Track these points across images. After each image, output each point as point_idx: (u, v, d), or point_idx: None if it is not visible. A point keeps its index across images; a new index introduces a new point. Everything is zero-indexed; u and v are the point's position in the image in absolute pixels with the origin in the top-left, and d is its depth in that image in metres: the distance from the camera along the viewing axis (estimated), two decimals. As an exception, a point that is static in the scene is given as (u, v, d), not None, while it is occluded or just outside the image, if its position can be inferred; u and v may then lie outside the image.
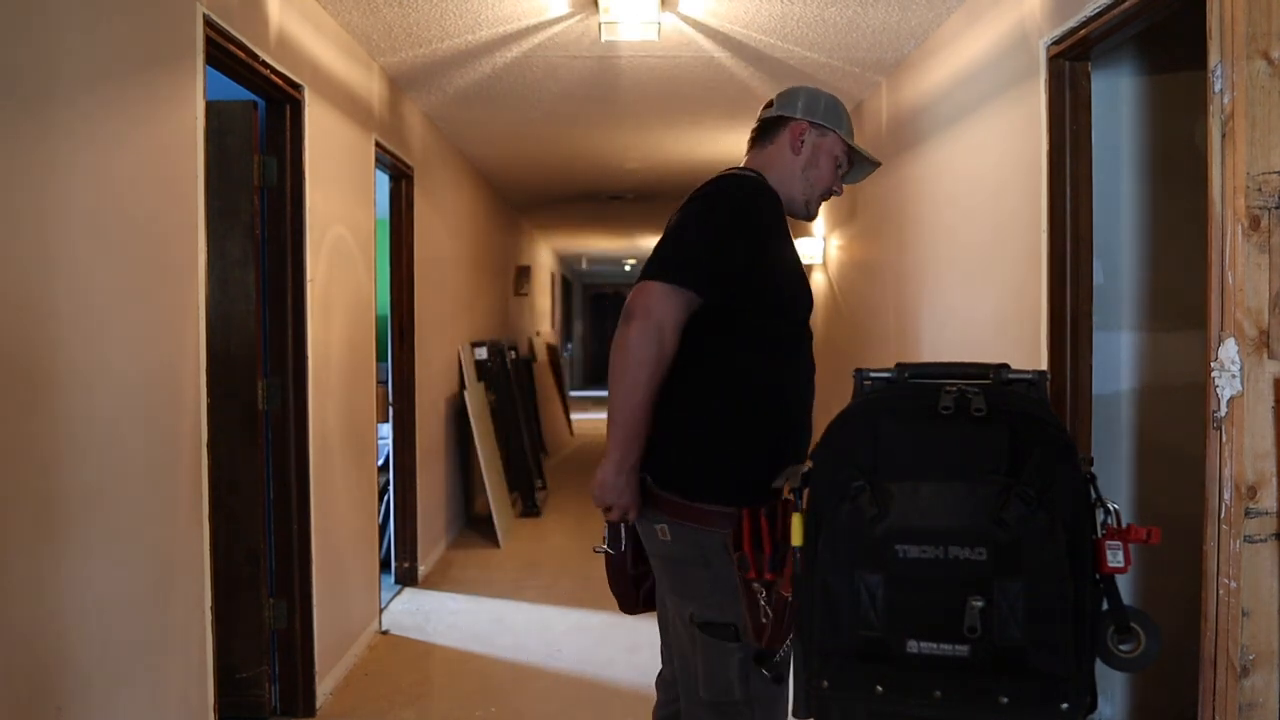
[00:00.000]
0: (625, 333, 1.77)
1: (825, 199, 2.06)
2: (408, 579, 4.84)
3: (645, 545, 1.93)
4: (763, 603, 1.68)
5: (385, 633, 4.12)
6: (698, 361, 1.81)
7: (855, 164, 2.07)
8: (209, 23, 2.51)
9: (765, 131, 2.02)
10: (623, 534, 1.94)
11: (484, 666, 3.77)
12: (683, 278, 1.76)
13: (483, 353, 6.41)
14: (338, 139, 3.61)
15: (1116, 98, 2.89)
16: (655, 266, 1.79)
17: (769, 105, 2.04)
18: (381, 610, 4.21)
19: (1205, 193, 1.89)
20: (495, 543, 5.74)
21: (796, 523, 1.46)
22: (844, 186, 2.08)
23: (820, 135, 1.99)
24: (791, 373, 1.91)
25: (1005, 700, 1.33)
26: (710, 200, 1.87)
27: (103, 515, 2.06)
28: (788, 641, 1.68)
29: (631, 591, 2.00)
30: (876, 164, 2.10)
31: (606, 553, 1.96)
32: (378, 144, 4.13)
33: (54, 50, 1.91)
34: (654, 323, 1.74)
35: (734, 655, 1.80)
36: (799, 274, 1.95)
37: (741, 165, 2.02)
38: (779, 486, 1.56)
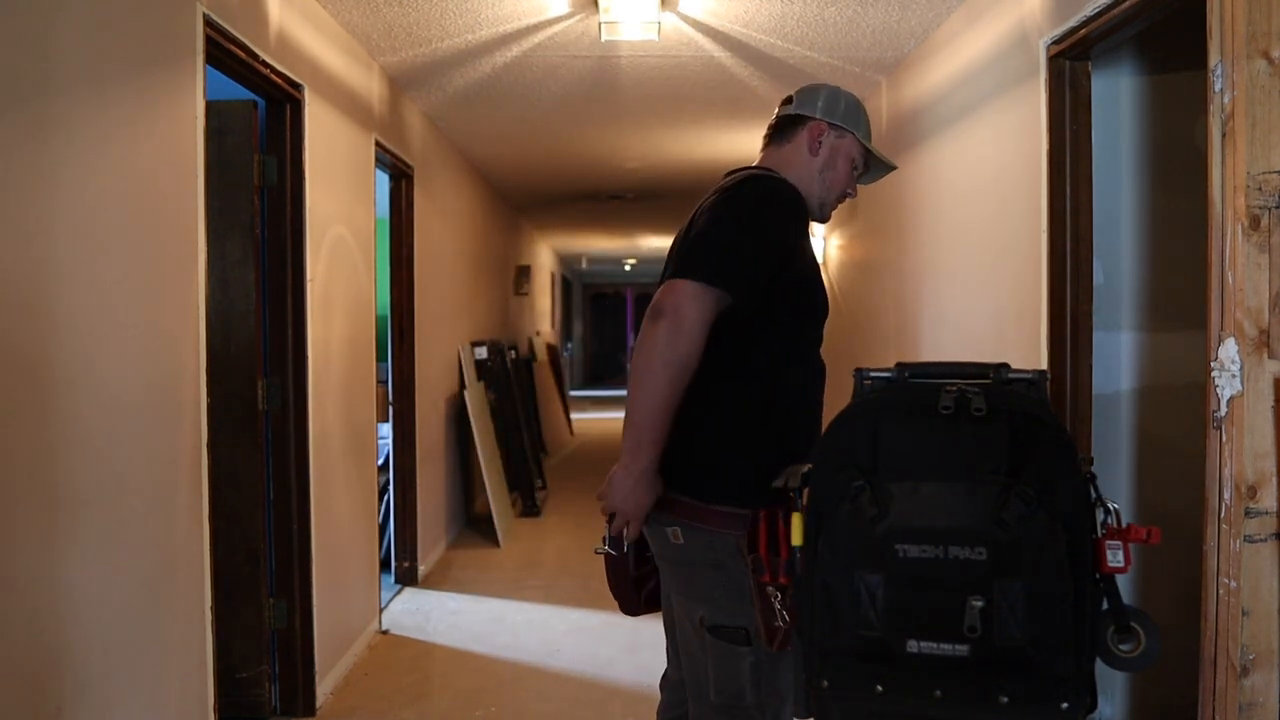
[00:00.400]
0: (652, 332, 1.71)
1: (840, 201, 2.02)
2: (408, 578, 4.84)
3: (654, 548, 1.90)
4: (778, 606, 1.67)
5: (385, 632, 4.12)
6: (711, 361, 1.76)
7: (871, 166, 2.03)
8: (209, 22, 2.50)
9: (782, 129, 1.98)
10: (624, 536, 1.92)
11: (484, 666, 3.77)
12: (713, 277, 1.71)
13: (483, 352, 6.40)
14: (338, 138, 3.61)
15: (1116, 98, 2.89)
16: (685, 265, 1.74)
17: (788, 101, 1.99)
18: (381, 610, 4.21)
19: (1205, 192, 1.89)
20: (495, 542, 5.74)
21: (797, 522, 1.46)
22: (857, 188, 2.05)
23: (839, 137, 1.95)
24: (805, 374, 1.89)
25: (1005, 700, 1.33)
26: (740, 200, 1.83)
27: (103, 515, 2.06)
28: None
29: (633, 594, 1.96)
30: (892, 167, 2.06)
31: (608, 554, 1.91)
32: (378, 143, 4.13)
33: (55, 51, 1.91)
34: (682, 322, 1.69)
35: (745, 659, 1.78)
36: (818, 277, 1.93)
37: (756, 163, 1.99)
38: (779, 486, 1.55)
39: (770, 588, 1.67)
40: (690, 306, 1.70)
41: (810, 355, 1.91)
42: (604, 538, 1.90)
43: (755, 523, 1.68)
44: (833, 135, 1.95)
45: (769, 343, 1.83)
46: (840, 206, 2.08)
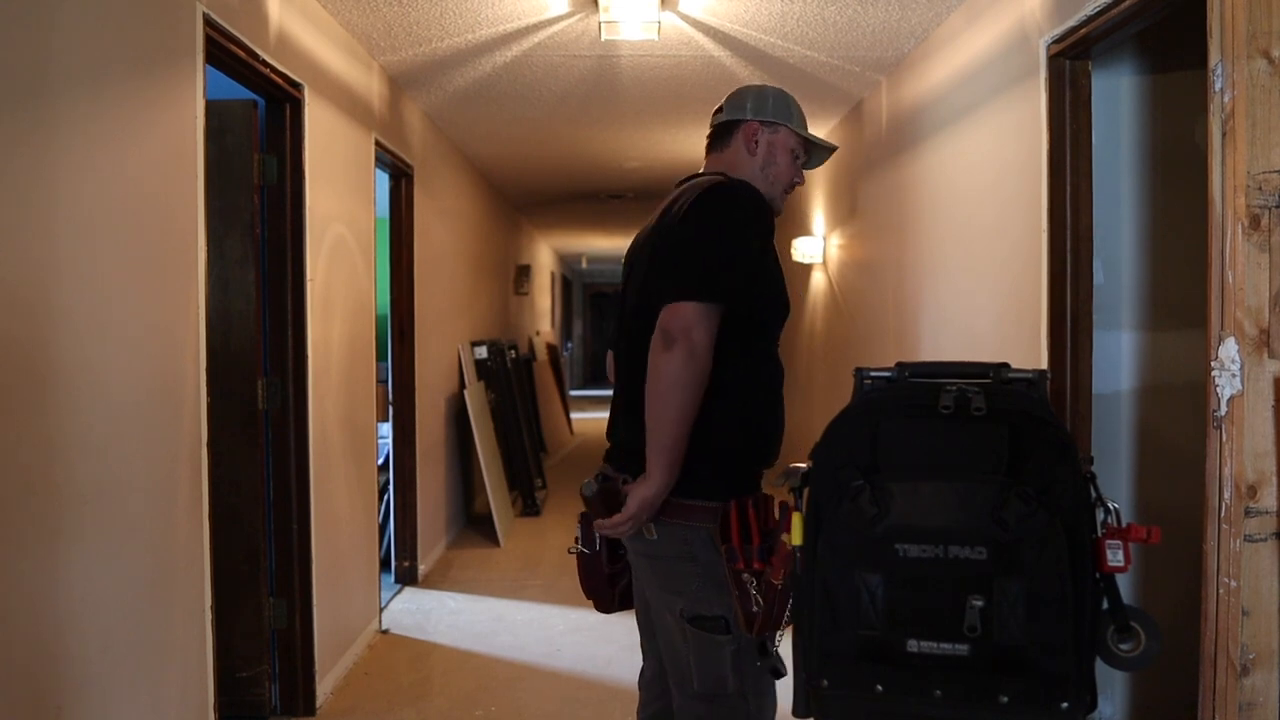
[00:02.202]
0: (669, 359, 1.73)
1: (789, 192, 2.08)
2: (408, 578, 4.84)
3: (628, 544, 1.94)
4: (753, 591, 1.70)
5: (385, 632, 4.12)
6: None
7: (812, 151, 2.09)
8: (209, 22, 2.50)
9: (719, 136, 2.05)
10: (596, 533, 1.95)
11: (484, 665, 3.78)
12: (714, 294, 1.76)
13: (483, 352, 6.40)
14: (338, 138, 3.61)
15: (1116, 97, 2.89)
16: (685, 286, 1.76)
17: (719, 111, 2.07)
18: (381, 609, 4.21)
19: (1205, 192, 1.89)
20: (495, 542, 5.74)
21: (796, 522, 1.47)
22: (805, 175, 2.11)
23: (773, 132, 2.01)
24: (768, 371, 1.93)
25: (1005, 699, 1.33)
26: (717, 211, 1.86)
27: (103, 515, 2.06)
28: (779, 632, 1.70)
29: (607, 591, 2.02)
30: (833, 148, 2.13)
31: (581, 552, 1.99)
32: (378, 143, 4.12)
33: (55, 50, 1.91)
34: (695, 345, 1.73)
35: (725, 648, 1.81)
36: (782, 277, 1.98)
37: (702, 170, 2.04)
38: (780, 486, 1.56)
39: (745, 574, 1.71)
40: (699, 329, 1.74)
41: (772, 353, 1.95)
42: (576, 537, 1.99)
43: (726, 513, 1.75)
44: (766, 132, 2.01)
45: (735, 342, 1.85)
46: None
